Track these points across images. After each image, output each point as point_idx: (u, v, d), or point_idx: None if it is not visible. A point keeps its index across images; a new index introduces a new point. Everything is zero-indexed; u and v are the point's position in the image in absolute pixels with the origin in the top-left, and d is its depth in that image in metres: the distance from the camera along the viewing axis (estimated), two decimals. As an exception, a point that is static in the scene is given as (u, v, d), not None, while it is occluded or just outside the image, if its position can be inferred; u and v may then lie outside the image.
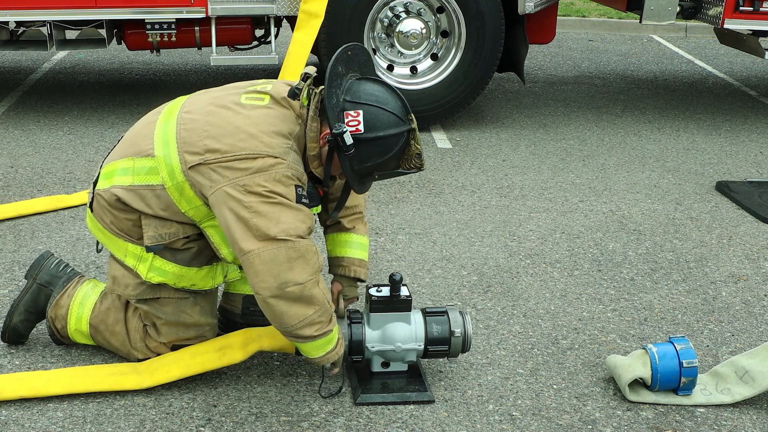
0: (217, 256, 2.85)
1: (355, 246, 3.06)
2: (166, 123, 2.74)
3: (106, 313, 2.94)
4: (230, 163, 2.57)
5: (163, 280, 2.78)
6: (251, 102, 2.71)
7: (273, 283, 2.52)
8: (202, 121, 2.67)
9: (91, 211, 2.83)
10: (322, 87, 2.68)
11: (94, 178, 2.85)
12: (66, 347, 3.08)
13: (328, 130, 2.64)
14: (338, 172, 2.76)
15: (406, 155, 2.72)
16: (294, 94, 2.69)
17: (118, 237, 2.78)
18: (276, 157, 2.58)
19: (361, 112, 2.63)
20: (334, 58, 2.64)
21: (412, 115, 2.73)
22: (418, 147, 2.71)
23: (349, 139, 2.59)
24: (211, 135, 2.62)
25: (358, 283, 3.09)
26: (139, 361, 2.93)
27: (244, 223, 2.53)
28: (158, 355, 2.92)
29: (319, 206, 2.83)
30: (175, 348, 2.91)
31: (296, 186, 2.61)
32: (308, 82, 2.69)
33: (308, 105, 2.70)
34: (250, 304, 3.06)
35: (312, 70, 2.73)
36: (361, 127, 2.62)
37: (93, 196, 2.82)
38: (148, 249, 2.72)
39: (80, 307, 2.97)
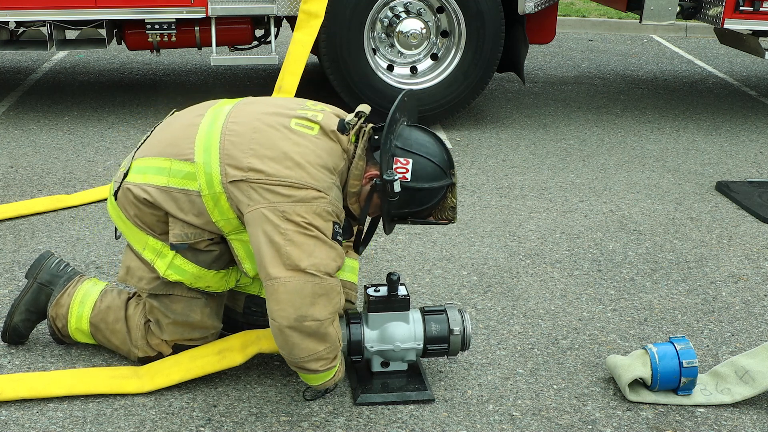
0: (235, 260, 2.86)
1: (348, 270, 3.10)
2: (210, 129, 2.70)
3: (107, 312, 2.94)
4: (273, 187, 2.56)
5: (180, 278, 2.77)
6: (300, 129, 2.69)
7: (292, 315, 2.52)
8: (248, 138, 2.65)
9: (115, 199, 2.81)
10: (371, 125, 2.71)
11: (125, 168, 2.80)
12: (66, 347, 3.08)
13: (374, 171, 2.69)
14: (373, 212, 2.80)
15: (440, 206, 2.78)
16: (344, 128, 2.70)
17: (140, 229, 2.77)
18: (320, 191, 2.58)
19: (411, 161, 2.68)
20: (395, 104, 2.69)
21: (455, 169, 2.80)
22: (454, 201, 2.78)
23: (397, 187, 2.62)
24: (257, 154, 2.60)
25: (349, 305, 3.12)
26: (140, 359, 2.93)
27: (276, 248, 2.52)
28: (159, 353, 2.92)
29: (351, 238, 2.88)
30: (176, 347, 2.91)
31: (334, 222, 2.61)
32: (362, 119, 2.73)
33: (356, 142, 2.72)
34: (252, 304, 3.06)
35: (366, 108, 2.77)
36: (408, 175, 2.67)
37: (120, 186, 2.78)
38: (173, 247, 2.70)
39: (80, 305, 2.97)
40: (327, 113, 2.79)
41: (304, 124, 2.70)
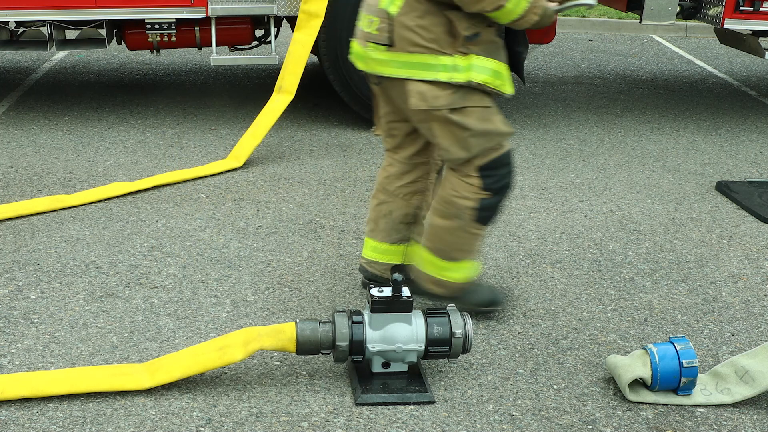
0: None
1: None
2: None
3: (434, 235, 3.16)
4: None
5: (485, 77, 2.92)
6: None
7: None
8: None
9: (392, 45, 2.91)
10: None
11: (377, 17, 2.93)
12: (65, 347, 3.08)
13: None
14: None
15: None
16: None
17: (428, 53, 2.89)
18: None
19: None
20: None
21: None
22: None
23: None
24: None
25: None
26: (475, 208, 3.08)
27: None
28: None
29: None
30: (483, 171, 3.04)
31: None
32: None
33: None
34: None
35: None
36: None
37: (391, 27, 2.89)
38: (467, 38, 2.86)
39: (419, 257, 3.25)
40: None
41: None
